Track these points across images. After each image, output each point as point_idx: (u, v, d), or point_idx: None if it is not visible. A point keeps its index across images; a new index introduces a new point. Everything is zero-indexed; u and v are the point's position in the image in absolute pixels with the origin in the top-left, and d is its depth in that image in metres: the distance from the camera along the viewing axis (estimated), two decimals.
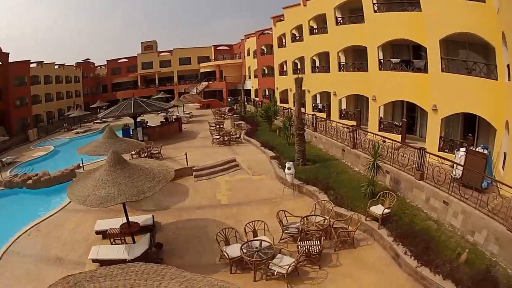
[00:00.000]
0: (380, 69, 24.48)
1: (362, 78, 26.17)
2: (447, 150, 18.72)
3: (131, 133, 32.05)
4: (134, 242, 13.41)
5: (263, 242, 12.15)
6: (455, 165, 14.75)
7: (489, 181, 13.85)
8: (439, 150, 18.85)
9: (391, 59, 24.33)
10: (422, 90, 20.50)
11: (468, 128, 19.56)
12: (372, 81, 25.04)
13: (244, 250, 11.75)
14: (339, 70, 29.25)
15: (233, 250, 12.08)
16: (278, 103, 41.32)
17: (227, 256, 11.81)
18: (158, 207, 17.67)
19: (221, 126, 33.74)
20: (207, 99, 63.99)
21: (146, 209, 17.35)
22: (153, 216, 15.64)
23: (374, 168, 16.36)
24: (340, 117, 28.93)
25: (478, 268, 10.73)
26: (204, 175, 21.33)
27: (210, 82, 69.83)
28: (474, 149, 15.13)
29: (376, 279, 11.13)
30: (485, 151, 14.56)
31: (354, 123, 25.61)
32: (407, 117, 24.12)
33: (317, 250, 11.68)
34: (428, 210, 14.53)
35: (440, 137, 19.40)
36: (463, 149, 15.28)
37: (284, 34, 41.01)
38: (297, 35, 37.83)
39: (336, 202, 15.55)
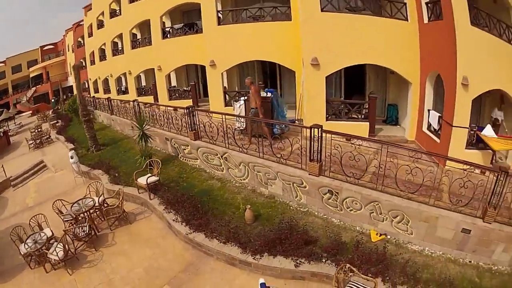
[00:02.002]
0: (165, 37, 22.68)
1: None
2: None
3: None
4: None
5: (41, 233, 10.78)
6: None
7: (283, 126, 12.96)
8: (225, 106, 17.65)
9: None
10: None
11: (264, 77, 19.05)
12: (156, 51, 23.23)
13: (28, 246, 10.26)
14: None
15: (23, 247, 10.48)
16: (102, 94, 37.49)
17: (21, 254, 10.43)
18: None
19: (39, 129, 30.07)
20: (36, 105, 57.53)
21: None
22: None
23: (143, 138, 14.58)
24: (170, 98, 25.90)
25: (273, 222, 9.88)
26: (19, 183, 19.20)
27: (38, 86, 62.26)
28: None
29: (151, 253, 9.97)
30: (269, 94, 13.35)
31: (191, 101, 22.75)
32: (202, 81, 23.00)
33: (84, 233, 10.51)
34: (210, 169, 13.09)
35: (225, 92, 18.17)
36: (243, 98, 14.08)
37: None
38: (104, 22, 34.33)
39: (114, 180, 13.97)
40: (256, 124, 12.43)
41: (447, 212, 8.57)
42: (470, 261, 8.58)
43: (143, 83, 28.94)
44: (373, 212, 9.29)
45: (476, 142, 12.12)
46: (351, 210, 9.63)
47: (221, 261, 9.13)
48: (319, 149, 9.69)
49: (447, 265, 8.47)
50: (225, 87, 18.01)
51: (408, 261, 8.38)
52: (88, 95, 34.89)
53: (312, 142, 9.67)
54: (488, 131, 11.49)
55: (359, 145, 9.28)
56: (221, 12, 17.90)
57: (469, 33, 10.76)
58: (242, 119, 13.25)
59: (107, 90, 33.78)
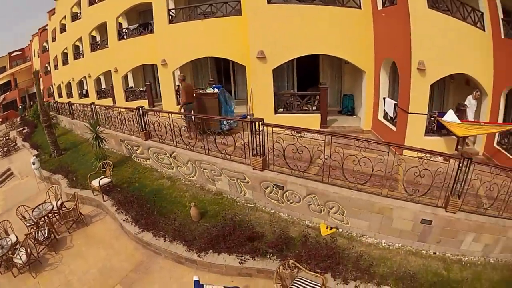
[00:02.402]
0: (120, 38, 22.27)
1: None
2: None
3: None
4: None
5: (7, 239, 10.67)
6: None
7: (232, 122, 12.78)
8: (177, 105, 17.25)
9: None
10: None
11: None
12: (113, 52, 22.83)
13: None
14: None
15: None
16: (65, 98, 36.72)
17: None
18: None
19: (7, 137, 29.34)
20: (5, 112, 56.21)
21: None
22: None
23: (97, 141, 14.34)
24: (127, 100, 25.01)
25: (219, 218, 9.74)
26: None
27: (6, 94, 60.84)
28: (204, 91, 13.64)
29: (105, 254, 9.97)
30: (216, 91, 13.16)
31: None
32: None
33: (44, 237, 10.50)
34: (161, 168, 12.90)
35: (177, 91, 17.96)
36: None
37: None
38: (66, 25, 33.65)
39: (72, 184, 13.81)
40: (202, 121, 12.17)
41: (402, 202, 8.25)
42: (435, 253, 8.29)
43: (103, 86, 28.54)
44: (319, 205, 9.06)
45: (437, 128, 11.98)
46: (294, 204, 9.45)
47: (169, 260, 9.05)
48: (261, 143, 9.52)
49: (408, 257, 8.16)
50: (178, 85, 17.72)
51: (362, 255, 8.09)
52: (53, 100, 34.29)
53: (253, 137, 9.49)
54: (450, 117, 11.17)
55: (300, 137, 8.96)
56: (172, 10, 17.60)
57: (426, 16, 10.62)
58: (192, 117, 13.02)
59: (70, 95, 33.18)
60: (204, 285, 7.19)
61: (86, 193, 12.62)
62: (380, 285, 7.34)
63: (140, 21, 22.84)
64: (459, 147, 11.74)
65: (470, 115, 11.69)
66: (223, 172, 10.47)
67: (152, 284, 8.47)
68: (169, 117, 11.89)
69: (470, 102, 11.70)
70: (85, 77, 28.38)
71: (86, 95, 29.50)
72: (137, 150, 13.70)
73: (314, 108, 14.36)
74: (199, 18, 16.82)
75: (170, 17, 17.51)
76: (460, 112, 11.87)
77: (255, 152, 9.68)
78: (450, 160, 7.96)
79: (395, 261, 8.01)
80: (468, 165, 7.53)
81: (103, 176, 12.32)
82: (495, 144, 11.89)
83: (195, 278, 7.18)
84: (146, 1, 18.71)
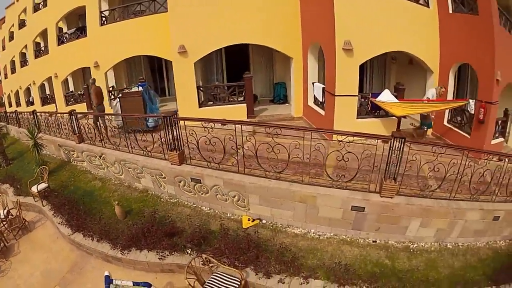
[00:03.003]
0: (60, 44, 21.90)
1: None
2: None
3: None
4: None
5: None
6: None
7: (157, 119, 12.77)
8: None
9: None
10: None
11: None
12: (53, 58, 22.47)
13: None
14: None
15: None
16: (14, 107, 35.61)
17: None
18: None
19: None
20: None
21: None
22: None
23: (35, 148, 14.24)
24: (67, 104, 24.74)
25: (142, 216, 9.74)
26: None
27: None
28: (128, 90, 13.76)
29: (45, 257, 9.99)
30: (140, 89, 13.25)
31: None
32: None
33: None
34: (94, 170, 12.94)
35: (109, 92, 17.51)
36: (119, 96, 13.99)
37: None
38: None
39: (17, 192, 13.73)
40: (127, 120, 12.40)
41: (326, 189, 7.85)
42: (374, 241, 7.86)
43: (48, 92, 28.10)
44: (236, 196, 8.96)
45: (372, 110, 11.69)
46: (212, 196, 9.43)
47: (99, 259, 9.15)
48: (177, 138, 9.60)
49: (341, 247, 7.73)
50: (113, 86, 17.68)
51: (287, 246, 7.78)
52: (3, 110, 33.57)
53: (168, 132, 9.55)
54: (385, 97, 10.74)
55: (211, 128, 8.63)
56: (104, 12, 17.46)
57: None
58: (120, 117, 13.14)
59: (18, 103, 32.58)
60: (114, 280, 7.31)
61: (28, 199, 12.62)
62: (308, 279, 6.99)
63: (80, 24, 22.52)
64: (399, 127, 11.12)
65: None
66: (144, 169, 10.56)
67: (86, 284, 8.59)
68: (93, 118, 12.06)
69: (433, 96, 11.35)
70: (30, 84, 27.88)
71: (33, 103, 29.01)
72: (73, 154, 13.72)
73: (241, 98, 14.44)
74: (131, 18, 16.77)
75: (103, 18, 17.36)
76: (399, 92, 11.69)
77: (172, 147, 9.71)
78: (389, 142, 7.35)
79: (326, 251, 7.65)
80: (401, 146, 7.12)
81: (41, 182, 12.36)
82: (445, 123, 11.85)
83: (106, 273, 7.32)
84: (81, 5, 18.49)
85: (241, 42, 14.15)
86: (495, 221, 8.01)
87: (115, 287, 7.20)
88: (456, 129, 11.62)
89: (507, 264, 7.46)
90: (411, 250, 7.64)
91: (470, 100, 10.98)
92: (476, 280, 7.04)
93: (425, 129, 11.92)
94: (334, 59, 11.04)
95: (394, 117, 11.06)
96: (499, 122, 11.63)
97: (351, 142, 7.42)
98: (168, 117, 9.45)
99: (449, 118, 12.06)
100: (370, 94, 11.80)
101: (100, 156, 12.08)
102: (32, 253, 10.40)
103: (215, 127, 8.68)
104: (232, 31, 13.63)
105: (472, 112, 10.96)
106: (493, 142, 11.22)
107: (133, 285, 7.24)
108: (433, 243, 7.83)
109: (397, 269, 7.10)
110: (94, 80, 12.90)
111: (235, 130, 8.46)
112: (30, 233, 11.47)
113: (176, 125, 9.52)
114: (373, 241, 7.88)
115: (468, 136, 11.20)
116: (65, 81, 22.55)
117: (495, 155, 8.18)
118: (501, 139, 11.88)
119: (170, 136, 9.59)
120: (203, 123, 8.82)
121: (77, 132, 13.04)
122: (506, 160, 8.01)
